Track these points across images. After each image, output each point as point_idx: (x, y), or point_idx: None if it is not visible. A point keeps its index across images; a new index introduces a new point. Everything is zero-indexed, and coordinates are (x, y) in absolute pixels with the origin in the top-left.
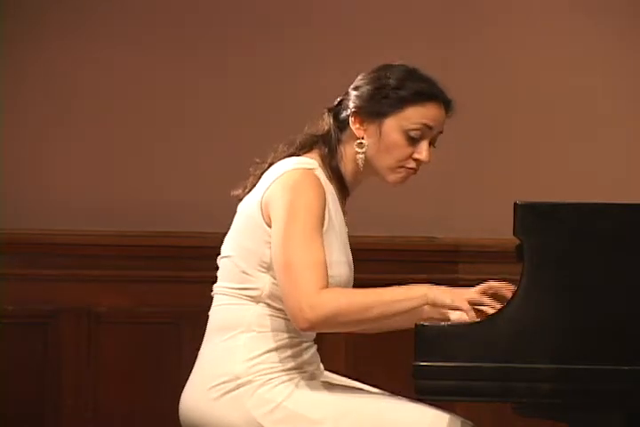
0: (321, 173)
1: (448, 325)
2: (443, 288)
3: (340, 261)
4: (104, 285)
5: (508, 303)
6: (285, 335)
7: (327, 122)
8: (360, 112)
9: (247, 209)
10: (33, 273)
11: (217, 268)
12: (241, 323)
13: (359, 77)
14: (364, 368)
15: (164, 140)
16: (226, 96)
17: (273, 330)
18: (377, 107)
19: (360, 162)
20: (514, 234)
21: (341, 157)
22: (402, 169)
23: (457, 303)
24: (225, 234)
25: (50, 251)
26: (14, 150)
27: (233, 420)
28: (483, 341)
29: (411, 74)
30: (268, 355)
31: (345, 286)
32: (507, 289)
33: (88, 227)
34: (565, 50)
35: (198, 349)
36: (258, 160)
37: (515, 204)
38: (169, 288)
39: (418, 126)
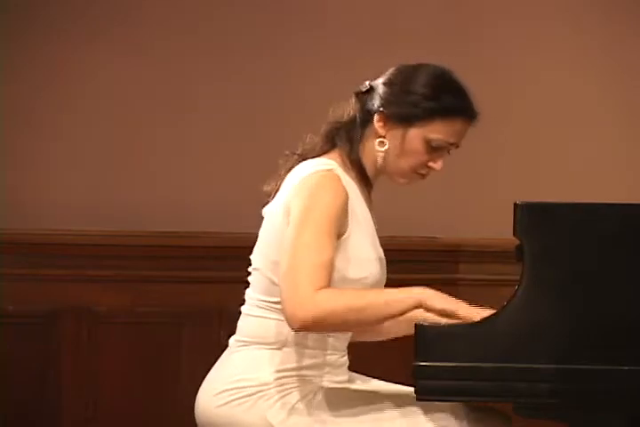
0: (341, 173)
1: (448, 325)
2: (437, 292)
3: (370, 258)
4: (104, 285)
5: (507, 303)
6: (319, 353)
7: (353, 108)
8: (386, 113)
9: (271, 218)
10: (33, 273)
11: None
12: (277, 339)
13: (392, 71)
14: (363, 368)
15: (165, 141)
16: (226, 96)
17: (308, 348)
18: (405, 113)
19: (380, 160)
20: (514, 234)
21: (362, 149)
22: (414, 175)
23: (449, 307)
24: (225, 234)
25: (50, 251)
26: (14, 150)
27: (248, 422)
28: (483, 341)
29: (444, 83)
30: (298, 371)
31: (377, 284)
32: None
33: (88, 227)
34: (565, 50)
35: (198, 349)
36: (287, 152)
37: (515, 204)
38: (169, 288)
39: (442, 139)
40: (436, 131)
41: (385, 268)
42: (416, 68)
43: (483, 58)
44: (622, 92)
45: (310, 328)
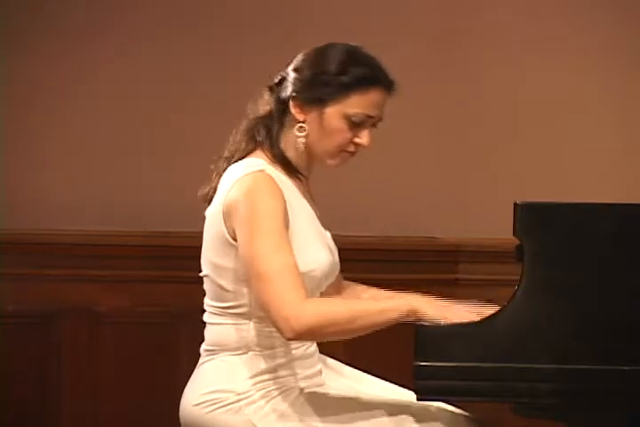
0: (272, 170)
1: (448, 325)
2: (427, 299)
3: (316, 251)
4: (104, 285)
5: (508, 303)
6: (286, 350)
7: (268, 102)
8: (300, 97)
9: (212, 223)
10: (33, 273)
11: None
12: (240, 344)
13: (300, 57)
14: (363, 368)
15: (164, 140)
16: (226, 96)
17: (273, 347)
18: (318, 94)
19: (300, 146)
20: (514, 234)
21: (284, 141)
22: (342, 153)
23: (440, 315)
24: None
25: (50, 251)
26: (14, 150)
27: (234, 425)
28: (483, 341)
29: (352, 57)
30: (269, 374)
31: (327, 276)
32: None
33: (88, 227)
34: (565, 50)
35: (197, 349)
36: (215, 157)
37: (515, 204)
38: (169, 288)
39: (360, 113)
40: (353, 105)
41: (336, 259)
42: (322, 49)
43: (482, 58)
44: (622, 92)
45: (304, 338)
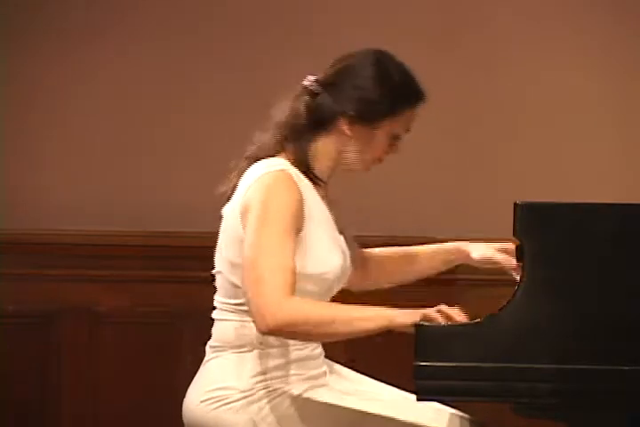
0: (294, 172)
1: (448, 325)
2: (409, 312)
3: (330, 254)
4: (104, 285)
5: (507, 303)
6: (292, 349)
7: (306, 108)
8: (352, 115)
9: (229, 220)
10: (33, 273)
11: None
12: (246, 341)
13: (337, 68)
14: (362, 368)
15: (165, 141)
16: (226, 96)
17: (279, 346)
18: (371, 115)
19: (342, 159)
20: (514, 234)
21: (313, 147)
22: (373, 163)
23: (416, 319)
24: None
25: (50, 251)
26: (14, 150)
27: (237, 423)
28: (483, 341)
29: (398, 73)
30: (274, 372)
31: (339, 279)
32: (458, 316)
33: (88, 227)
34: (565, 50)
35: (198, 348)
36: (235, 158)
37: (515, 204)
38: (169, 288)
39: (404, 129)
40: (401, 123)
41: (349, 264)
42: (360, 61)
43: (482, 58)
44: (622, 92)
45: (277, 334)
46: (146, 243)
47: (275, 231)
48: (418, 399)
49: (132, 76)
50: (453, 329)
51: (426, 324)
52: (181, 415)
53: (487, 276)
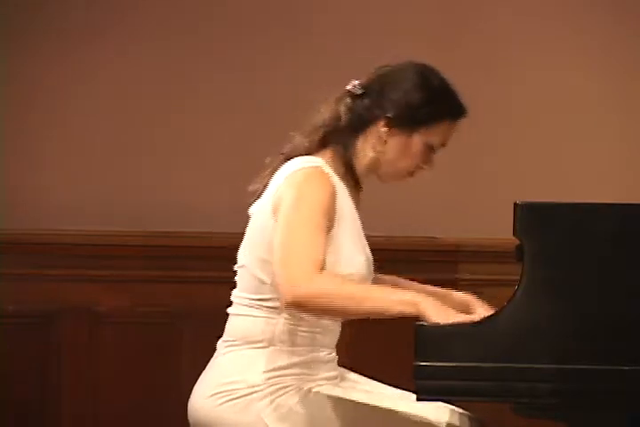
0: (329, 170)
1: (448, 325)
2: (436, 303)
3: (357, 255)
4: (104, 285)
5: (507, 303)
6: (308, 350)
7: (345, 111)
8: (392, 119)
9: (259, 216)
10: (33, 273)
11: (232, 272)
12: (265, 337)
13: (381, 73)
14: (362, 368)
15: (164, 141)
16: (226, 96)
17: (296, 345)
18: (410, 120)
19: (376, 163)
20: (514, 234)
21: (355, 150)
22: (407, 175)
23: (443, 322)
24: (224, 234)
25: (50, 251)
26: (14, 150)
27: (242, 422)
28: (483, 341)
29: (443, 88)
30: (285, 370)
31: (363, 282)
32: None
33: (88, 227)
34: (565, 50)
35: (198, 348)
36: (273, 152)
37: (515, 204)
38: (169, 288)
39: (440, 142)
40: (437, 134)
41: (372, 267)
42: (404, 70)
43: (482, 57)
44: (622, 92)
45: (301, 306)
46: (146, 243)
47: (306, 221)
48: (418, 399)
49: (132, 76)
50: (453, 329)
51: (426, 324)
52: (181, 415)
53: (487, 276)
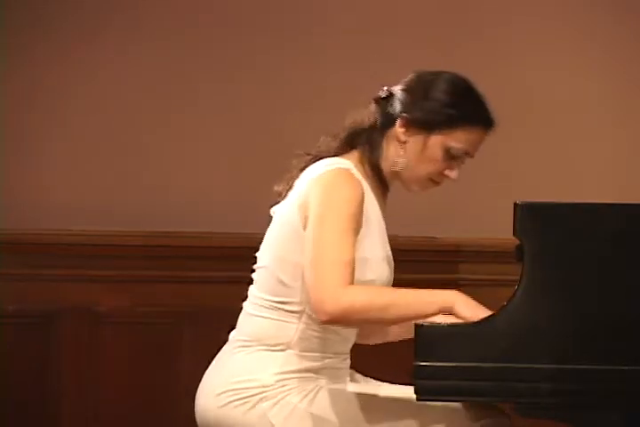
0: (357, 172)
1: (448, 325)
2: (467, 299)
3: (379, 258)
4: (104, 285)
5: (507, 303)
6: (324, 356)
7: (373, 114)
8: (409, 118)
9: (284, 215)
10: (33, 273)
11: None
12: (281, 341)
13: (412, 77)
14: (363, 368)
15: (165, 141)
16: (226, 96)
17: (313, 351)
18: (427, 119)
19: (398, 165)
20: (514, 234)
21: (381, 152)
22: (429, 182)
23: (475, 317)
24: (224, 234)
25: (50, 251)
26: (14, 150)
27: (249, 423)
28: (483, 341)
29: (465, 92)
30: (298, 373)
31: (386, 285)
32: None
33: (88, 227)
34: (565, 50)
35: (198, 349)
36: (300, 152)
37: (515, 204)
38: (169, 288)
39: (461, 148)
40: (457, 139)
41: (392, 270)
42: (436, 75)
43: (482, 58)
44: (622, 92)
45: (337, 322)
46: (146, 243)
47: (335, 227)
48: (418, 399)
49: (132, 76)
50: (453, 329)
51: (426, 324)
52: (181, 415)
53: (487, 276)
